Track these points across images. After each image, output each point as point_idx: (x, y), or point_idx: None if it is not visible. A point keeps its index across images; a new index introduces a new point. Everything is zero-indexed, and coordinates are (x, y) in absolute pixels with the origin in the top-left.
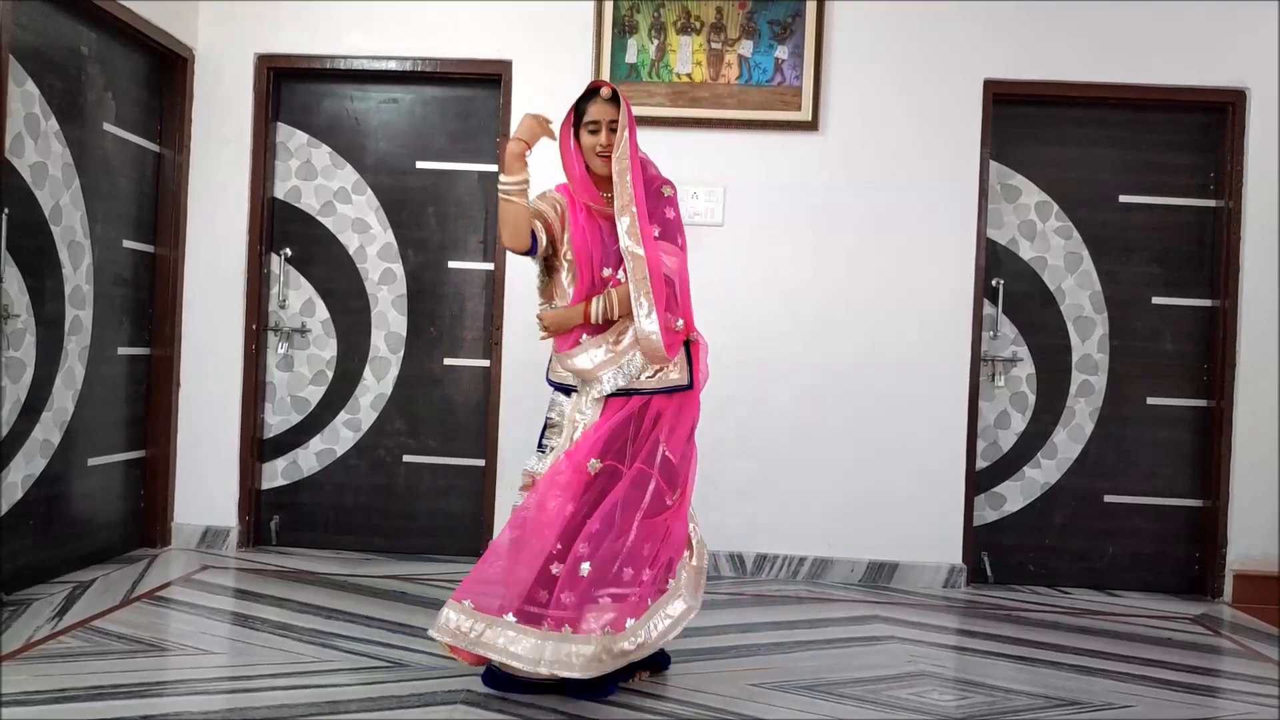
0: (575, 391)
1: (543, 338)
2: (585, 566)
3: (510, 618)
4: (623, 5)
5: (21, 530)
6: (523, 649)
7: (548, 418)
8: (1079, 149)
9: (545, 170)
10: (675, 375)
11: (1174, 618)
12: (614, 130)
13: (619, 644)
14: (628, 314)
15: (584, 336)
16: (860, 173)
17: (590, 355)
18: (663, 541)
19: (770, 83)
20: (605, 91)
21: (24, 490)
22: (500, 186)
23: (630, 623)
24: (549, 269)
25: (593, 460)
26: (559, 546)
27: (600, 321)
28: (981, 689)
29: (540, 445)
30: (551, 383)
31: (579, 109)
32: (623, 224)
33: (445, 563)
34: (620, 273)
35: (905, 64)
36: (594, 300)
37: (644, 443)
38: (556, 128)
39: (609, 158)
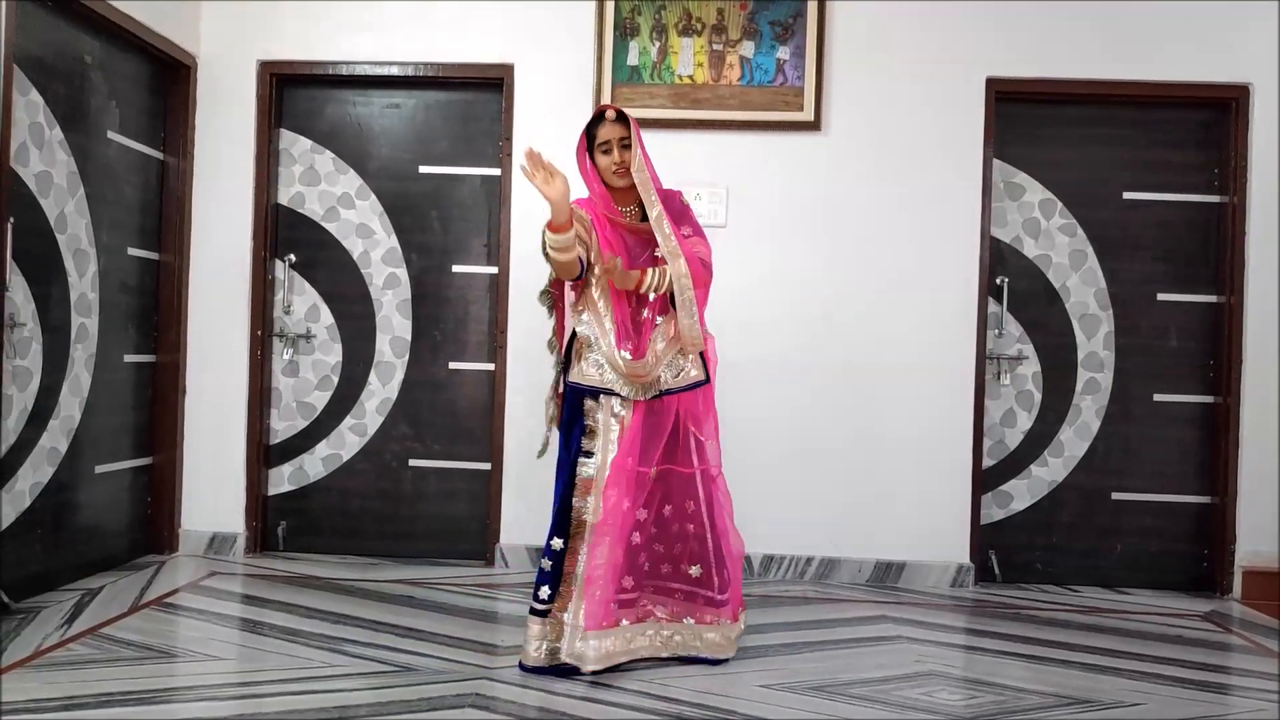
0: (602, 394)
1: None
2: (696, 569)
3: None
4: (624, 7)
5: (30, 538)
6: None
7: (584, 424)
8: (1082, 146)
9: (555, 159)
10: (695, 372)
11: (1183, 615)
12: (625, 147)
13: (739, 629)
14: (665, 310)
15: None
16: (863, 172)
17: (647, 360)
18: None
19: (772, 83)
20: (611, 114)
21: (32, 498)
22: (552, 247)
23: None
24: (578, 283)
25: (653, 469)
26: (631, 543)
27: (657, 292)
28: (991, 688)
29: (584, 452)
30: (579, 387)
31: (590, 133)
32: (661, 229)
33: (452, 566)
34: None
35: (907, 63)
36: (650, 271)
37: (682, 440)
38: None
39: (625, 173)
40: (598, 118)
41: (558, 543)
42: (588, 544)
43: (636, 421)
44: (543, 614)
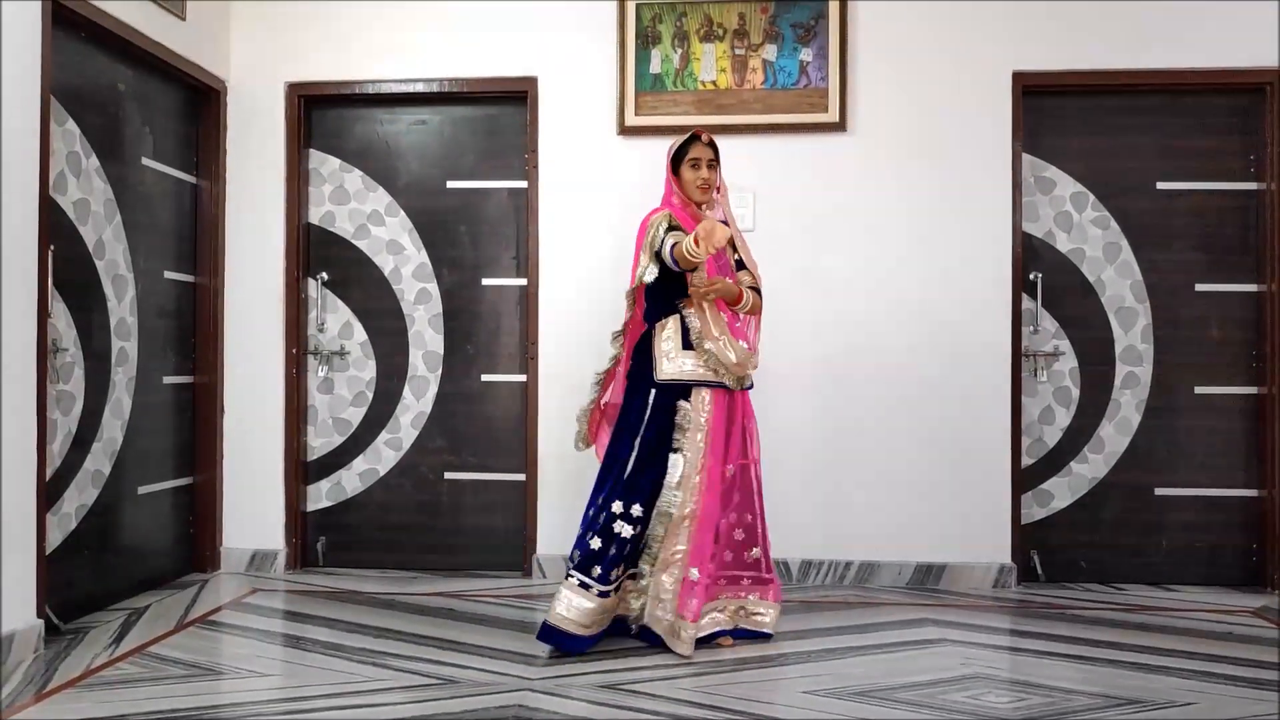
0: (691, 391)
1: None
2: (756, 551)
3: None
4: (645, 14)
5: (77, 559)
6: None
7: (675, 422)
8: (1113, 137)
9: (581, 169)
10: (752, 376)
11: (1233, 611)
12: (711, 168)
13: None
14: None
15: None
16: (891, 171)
17: (737, 353)
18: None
19: (796, 86)
20: (705, 138)
21: (78, 520)
22: (692, 252)
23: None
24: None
25: (729, 466)
26: (716, 533)
27: (743, 311)
28: (1039, 690)
29: (673, 449)
30: (663, 384)
31: (682, 149)
32: (749, 257)
33: (491, 578)
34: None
35: (932, 60)
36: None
37: (740, 435)
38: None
39: (707, 189)
40: (693, 138)
41: (626, 529)
42: (669, 533)
43: (720, 419)
44: (585, 587)
